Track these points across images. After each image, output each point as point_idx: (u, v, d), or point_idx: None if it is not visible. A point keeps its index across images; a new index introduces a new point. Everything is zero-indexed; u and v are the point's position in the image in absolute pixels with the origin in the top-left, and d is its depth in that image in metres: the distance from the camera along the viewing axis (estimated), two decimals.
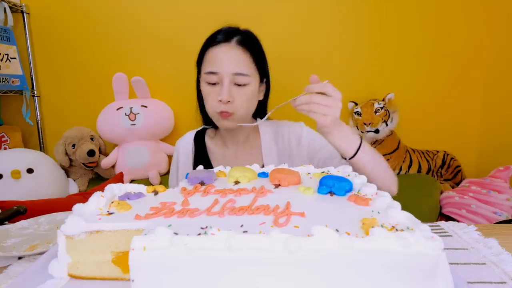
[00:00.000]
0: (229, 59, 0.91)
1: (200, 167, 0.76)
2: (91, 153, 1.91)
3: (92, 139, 1.98)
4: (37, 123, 2.12)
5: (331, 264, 0.41)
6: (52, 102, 2.14)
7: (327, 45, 2.05)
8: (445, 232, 0.78)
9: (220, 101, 0.91)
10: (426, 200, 1.74)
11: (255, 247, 0.41)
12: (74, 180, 1.97)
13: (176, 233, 0.43)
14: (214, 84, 0.93)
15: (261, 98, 1.02)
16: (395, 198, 0.53)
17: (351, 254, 0.40)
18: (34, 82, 2.09)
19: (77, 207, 0.54)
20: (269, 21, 2.04)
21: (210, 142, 1.11)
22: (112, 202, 0.57)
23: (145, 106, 1.95)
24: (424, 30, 2.02)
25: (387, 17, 2.02)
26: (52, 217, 0.90)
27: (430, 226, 0.80)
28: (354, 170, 0.79)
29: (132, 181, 1.92)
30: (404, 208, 0.49)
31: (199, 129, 1.14)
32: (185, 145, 1.11)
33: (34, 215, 0.91)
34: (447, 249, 0.66)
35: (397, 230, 0.44)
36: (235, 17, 2.01)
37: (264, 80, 1.02)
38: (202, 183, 0.65)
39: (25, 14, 2.02)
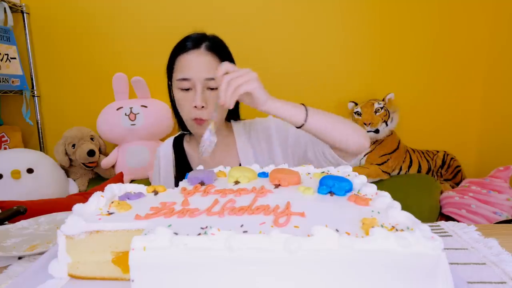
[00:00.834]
0: (200, 65, 0.93)
1: (200, 167, 0.76)
2: (91, 153, 1.91)
3: (92, 139, 1.98)
4: (37, 123, 2.12)
5: (331, 264, 0.41)
6: (52, 102, 2.14)
7: (327, 45, 2.05)
8: (445, 232, 0.78)
9: (195, 107, 0.93)
10: (426, 200, 1.74)
11: (255, 247, 0.41)
12: (74, 180, 1.97)
13: (176, 233, 0.43)
14: (187, 90, 0.95)
15: None
16: (395, 198, 0.53)
17: (351, 254, 0.40)
18: (34, 82, 2.09)
19: (77, 207, 0.54)
20: (269, 21, 2.04)
21: (188, 146, 1.13)
22: (112, 202, 0.57)
23: (145, 106, 1.95)
24: (424, 30, 2.02)
25: (387, 17, 2.02)
26: (52, 217, 0.90)
27: (430, 226, 0.80)
28: (315, 135, 0.87)
29: (132, 181, 1.92)
30: (404, 208, 0.49)
31: (177, 135, 1.17)
32: (165, 150, 1.14)
33: (34, 215, 0.91)
34: (447, 249, 0.66)
35: (397, 230, 0.44)
36: (235, 17, 2.03)
37: None
38: (202, 183, 0.65)
39: (25, 14, 2.02)
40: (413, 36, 2.03)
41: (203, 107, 0.93)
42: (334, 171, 0.71)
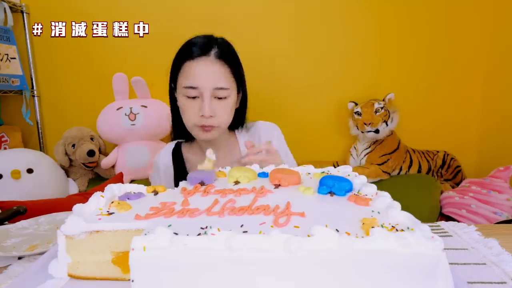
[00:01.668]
0: (209, 74, 0.91)
1: None
2: (91, 153, 1.91)
3: (92, 139, 1.98)
4: (37, 123, 2.12)
5: (331, 264, 0.41)
6: (52, 102, 2.14)
7: (327, 45, 2.05)
8: (445, 232, 0.78)
9: (202, 116, 0.92)
10: (426, 200, 1.74)
11: (255, 247, 0.41)
12: (74, 180, 1.97)
13: (176, 233, 0.43)
14: (193, 97, 0.93)
15: (237, 106, 1.03)
16: (395, 198, 0.53)
17: (351, 254, 0.40)
18: (34, 82, 2.09)
19: (77, 207, 0.54)
20: (269, 21, 2.04)
21: (188, 152, 1.11)
22: (112, 202, 0.57)
23: (145, 106, 1.95)
24: (424, 30, 2.02)
25: (387, 17, 2.02)
26: (52, 217, 0.90)
27: (430, 226, 0.80)
28: None
29: (132, 181, 1.92)
30: (404, 208, 0.49)
31: (173, 144, 1.14)
32: (164, 160, 1.12)
33: (34, 215, 0.90)
34: (447, 249, 0.66)
35: (397, 230, 0.44)
36: (235, 17, 2.03)
37: (241, 88, 1.02)
38: (202, 183, 0.65)
39: (25, 14, 2.02)
40: (413, 36, 2.03)
41: (211, 116, 0.92)
42: (334, 171, 0.71)
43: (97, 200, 0.56)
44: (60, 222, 0.82)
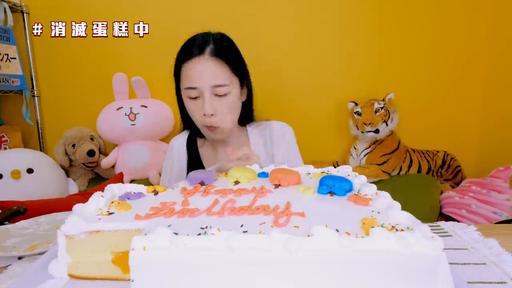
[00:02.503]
0: (206, 72, 0.90)
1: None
2: (91, 153, 1.91)
3: (92, 139, 1.98)
4: (37, 123, 2.12)
5: (331, 264, 0.41)
6: (52, 102, 2.14)
7: (327, 45, 2.05)
8: (445, 232, 0.78)
9: (205, 115, 0.92)
10: (426, 200, 1.74)
11: (255, 247, 0.41)
12: (74, 180, 1.97)
13: (176, 233, 0.43)
14: (195, 98, 0.93)
15: (244, 99, 1.02)
16: (395, 198, 0.53)
17: (351, 254, 0.40)
18: (34, 82, 2.09)
19: (77, 207, 0.54)
20: (269, 21, 2.04)
21: (201, 149, 1.12)
22: (112, 202, 0.57)
23: (145, 106, 1.95)
24: (424, 30, 2.02)
25: (387, 17, 2.02)
26: (52, 217, 0.90)
27: (430, 226, 0.80)
28: None
29: (132, 181, 1.92)
30: (404, 208, 0.49)
31: (188, 133, 1.14)
32: (179, 145, 1.12)
33: (34, 215, 0.90)
34: (447, 249, 0.66)
35: (397, 230, 0.44)
36: (234, 17, 2.02)
37: (245, 82, 1.01)
38: (202, 183, 0.65)
39: (25, 14, 2.02)
40: (413, 36, 2.03)
41: (212, 114, 0.92)
42: (334, 171, 0.71)
43: (97, 200, 0.56)
44: (60, 222, 0.82)
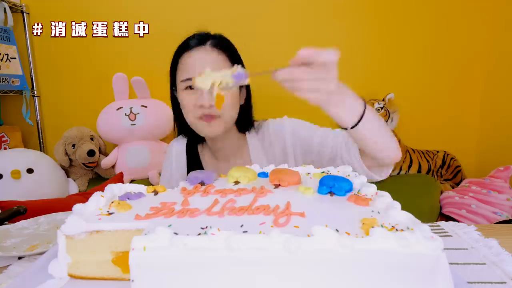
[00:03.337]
0: (206, 62, 0.88)
1: None
2: (91, 153, 1.91)
3: (92, 139, 1.98)
4: (37, 123, 2.12)
5: (331, 264, 0.41)
6: (52, 102, 2.14)
7: (326, 45, 2.04)
8: (445, 232, 0.78)
9: (202, 106, 0.87)
10: (426, 200, 1.74)
11: (255, 247, 0.41)
12: (74, 180, 1.97)
13: (176, 233, 0.43)
14: (192, 89, 0.89)
15: (242, 102, 1.00)
16: (395, 198, 0.53)
17: (351, 254, 0.40)
18: (34, 82, 2.09)
19: (77, 207, 0.54)
20: (269, 21, 2.04)
21: (201, 154, 1.09)
22: (112, 202, 0.57)
23: (145, 106, 1.95)
24: (424, 30, 2.02)
25: (387, 17, 2.02)
26: (52, 217, 0.90)
27: (430, 226, 0.80)
28: (353, 139, 0.76)
29: (132, 181, 1.92)
30: (404, 208, 0.49)
31: (186, 139, 1.10)
32: (177, 150, 1.10)
33: (34, 215, 0.91)
34: (447, 249, 0.65)
35: (397, 230, 0.44)
36: (234, 17, 2.02)
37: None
38: (202, 183, 0.65)
39: (25, 14, 2.02)
40: (413, 36, 2.03)
41: (211, 105, 0.87)
42: (334, 171, 0.71)
43: (97, 200, 0.56)
44: (60, 222, 0.82)
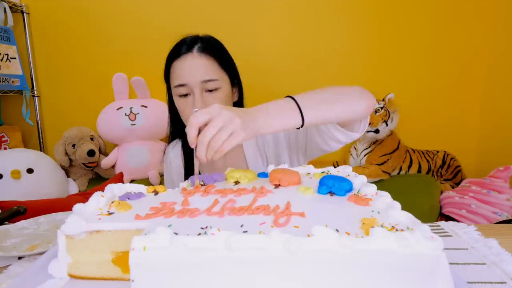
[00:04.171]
0: (195, 68, 0.91)
1: None
2: (91, 153, 1.91)
3: (92, 139, 1.98)
4: (37, 123, 2.12)
5: (331, 264, 0.41)
6: (52, 102, 2.14)
7: (326, 45, 2.05)
8: (445, 232, 0.78)
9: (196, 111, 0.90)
10: (426, 200, 1.74)
11: (255, 247, 0.41)
12: (74, 180, 1.97)
13: (176, 233, 0.43)
14: (186, 95, 0.93)
15: (235, 99, 1.02)
16: (395, 198, 0.53)
17: (351, 254, 0.40)
18: (34, 82, 2.09)
19: (77, 207, 0.54)
20: (268, 22, 2.04)
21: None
22: (112, 202, 0.57)
23: (145, 106, 1.95)
24: (424, 30, 2.02)
25: (387, 17, 2.02)
26: (52, 217, 0.90)
27: (430, 226, 0.80)
28: (317, 127, 0.82)
29: (132, 181, 1.92)
30: (404, 208, 0.49)
31: (180, 143, 1.12)
32: (174, 153, 1.12)
33: (34, 215, 0.90)
34: (447, 249, 0.66)
35: (397, 230, 0.44)
36: (234, 17, 2.03)
37: (236, 81, 1.01)
38: (202, 183, 0.65)
39: (25, 14, 2.02)
40: (413, 36, 2.03)
41: None
42: (334, 171, 0.71)
43: (97, 200, 0.56)
44: (60, 222, 0.82)
